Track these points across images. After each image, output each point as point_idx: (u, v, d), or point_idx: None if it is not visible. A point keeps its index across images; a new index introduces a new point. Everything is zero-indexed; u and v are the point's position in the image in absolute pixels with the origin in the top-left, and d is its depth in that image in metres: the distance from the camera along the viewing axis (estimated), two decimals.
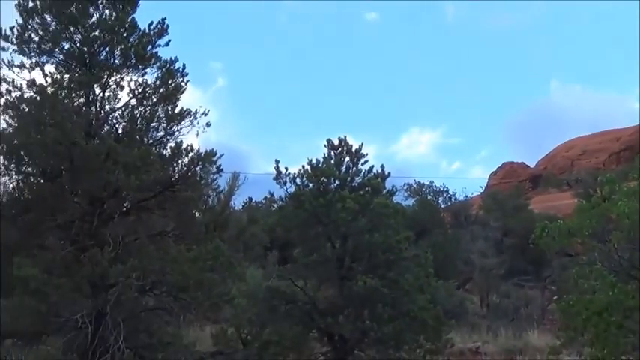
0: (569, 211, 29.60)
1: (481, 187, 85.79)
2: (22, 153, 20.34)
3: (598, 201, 22.54)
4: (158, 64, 21.57)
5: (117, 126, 21.36)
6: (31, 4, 21.16)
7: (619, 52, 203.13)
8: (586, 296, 21.00)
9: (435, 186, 62.96)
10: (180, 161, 21.11)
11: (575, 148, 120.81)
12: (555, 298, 36.25)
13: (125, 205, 21.06)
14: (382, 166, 26.35)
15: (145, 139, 21.13)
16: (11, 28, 21.00)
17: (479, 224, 55.25)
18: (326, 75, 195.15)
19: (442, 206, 61.51)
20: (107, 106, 21.24)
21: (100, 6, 21.44)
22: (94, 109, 21.00)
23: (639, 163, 22.71)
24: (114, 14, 21.34)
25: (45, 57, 21.22)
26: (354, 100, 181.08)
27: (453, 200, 62.95)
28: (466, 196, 66.37)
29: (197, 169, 21.09)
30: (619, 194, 22.20)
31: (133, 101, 21.24)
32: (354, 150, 26.24)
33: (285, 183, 25.71)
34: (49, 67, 21.05)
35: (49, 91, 20.09)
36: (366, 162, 26.27)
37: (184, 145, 21.07)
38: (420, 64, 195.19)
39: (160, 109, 21.24)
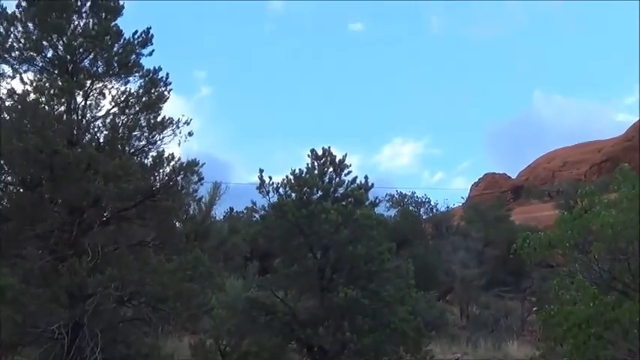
0: (550, 222, 29.62)
1: (463, 197, 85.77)
2: (1, 162, 20.20)
3: (579, 212, 22.56)
4: (141, 72, 21.49)
5: (98, 134, 21.23)
6: (12, 12, 21.02)
7: (601, 64, 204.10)
8: (567, 307, 21.02)
9: (417, 197, 62.86)
10: (161, 170, 21.01)
11: (556, 159, 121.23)
12: (535, 309, 36.23)
13: (105, 214, 20.92)
14: (366, 177, 26.38)
15: (127, 147, 21.02)
16: None
17: (460, 235, 55.18)
18: (310, 85, 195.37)
19: (424, 217, 61.44)
20: (89, 115, 21.10)
21: (84, 14, 21.31)
22: (75, 118, 20.85)
23: (620, 175, 22.75)
24: (97, 22, 21.22)
25: (27, 65, 21.09)
26: (338, 110, 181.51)
27: (434, 211, 62.87)
28: (448, 207, 66.34)
29: (178, 178, 20.99)
30: (600, 206, 22.22)
31: (115, 110, 21.12)
32: (337, 160, 26.23)
33: (268, 193, 25.69)
34: (31, 75, 20.93)
35: (31, 99, 19.94)
36: (349, 172, 26.29)
37: (166, 155, 20.98)
38: (403, 74, 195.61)
39: (142, 118, 21.14)
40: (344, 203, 25.54)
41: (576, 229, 21.77)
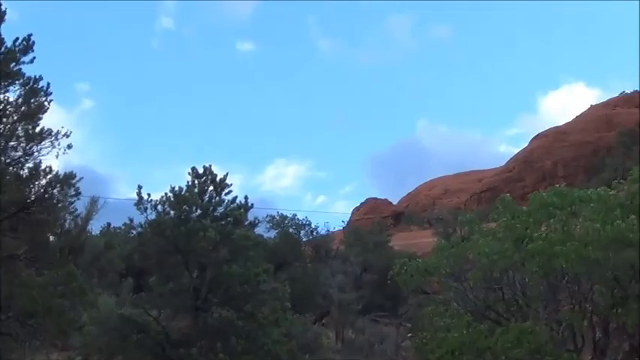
0: (429, 249, 29.92)
1: (344, 221, 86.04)
2: None
3: (457, 240, 22.83)
4: (21, 81, 20.88)
5: None
6: None
7: (485, 96, 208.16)
8: (440, 334, 21.20)
9: (298, 219, 62.77)
10: (37, 182, 20.42)
11: (437, 187, 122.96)
12: (410, 335, 36.50)
13: None
14: (246, 197, 26.22)
15: (3, 157, 20.40)
16: None
17: (339, 259, 55.33)
18: (195, 103, 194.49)
19: (304, 239, 61.37)
20: None
21: None
22: None
23: (501, 205, 23.09)
24: None
25: None
26: (223, 130, 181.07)
27: (315, 234, 62.84)
28: (328, 230, 66.40)
29: (55, 191, 20.45)
30: (478, 234, 22.53)
31: None
32: (218, 179, 26.00)
33: (146, 209, 25.31)
34: None
35: None
36: (230, 192, 26.08)
37: (43, 167, 20.39)
38: (290, 96, 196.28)
39: (20, 128, 20.53)
40: (223, 222, 25.32)
41: (453, 257, 22.05)
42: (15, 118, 20.52)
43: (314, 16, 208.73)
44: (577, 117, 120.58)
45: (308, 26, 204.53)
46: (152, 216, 25.35)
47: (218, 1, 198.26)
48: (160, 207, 25.37)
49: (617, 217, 20.19)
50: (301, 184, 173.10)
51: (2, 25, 21.11)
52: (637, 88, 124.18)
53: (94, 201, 38.06)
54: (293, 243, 55.67)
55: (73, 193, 20.92)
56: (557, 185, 23.46)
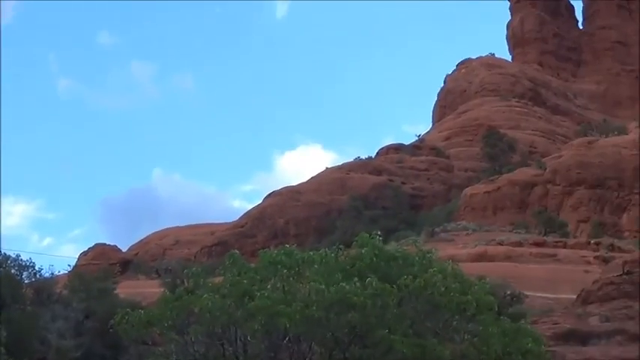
0: (154, 299, 29.53)
1: (70, 265, 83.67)
2: None
3: (182, 293, 22.63)
4: None
5: None
6: None
7: (222, 149, 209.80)
8: None
9: (22, 260, 60.47)
10: None
11: (169, 237, 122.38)
12: None
13: None
14: None
15: None
16: None
17: (62, 303, 53.70)
18: None
19: (26, 281, 59.18)
20: None
21: None
22: None
23: (229, 260, 23.11)
24: None
25: None
26: None
27: (38, 276, 60.73)
28: (52, 274, 64.34)
29: None
30: (204, 288, 22.42)
31: None
32: None
33: None
34: None
35: None
36: None
37: None
38: (25, 132, 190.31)
39: None
40: None
41: (176, 309, 21.80)
42: None
43: (54, 53, 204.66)
44: (312, 178, 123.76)
45: (48, 64, 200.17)
46: None
47: None
48: None
49: (341, 280, 20.65)
50: (28, 223, 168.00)
51: None
52: (371, 155, 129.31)
53: None
54: (13, 284, 53.54)
55: None
56: (287, 245, 23.75)
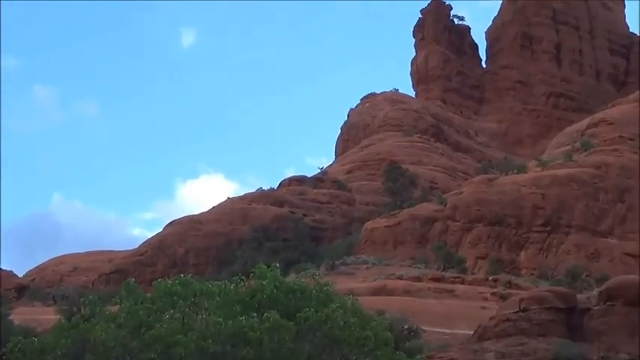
0: (50, 327, 29.06)
1: None
2: None
3: (78, 321, 22.33)
4: None
5: None
6: None
7: (123, 176, 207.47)
8: None
9: None
10: None
11: (66, 263, 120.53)
12: None
13: None
14: None
15: None
16: None
17: None
18: None
19: None
20: None
21: None
22: None
23: (125, 289, 22.88)
24: None
25: None
26: None
27: None
28: None
29: None
30: (99, 317, 22.15)
31: None
32: None
33: None
34: None
35: None
36: None
37: None
38: None
39: None
40: None
41: (72, 337, 21.48)
42: None
43: None
44: (213, 207, 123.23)
45: None
46: None
47: None
48: None
49: (238, 313, 20.58)
50: None
51: None
52: (273, 186, 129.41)
53: None
54: None
55: None
56: (183, 275, 23.48)
